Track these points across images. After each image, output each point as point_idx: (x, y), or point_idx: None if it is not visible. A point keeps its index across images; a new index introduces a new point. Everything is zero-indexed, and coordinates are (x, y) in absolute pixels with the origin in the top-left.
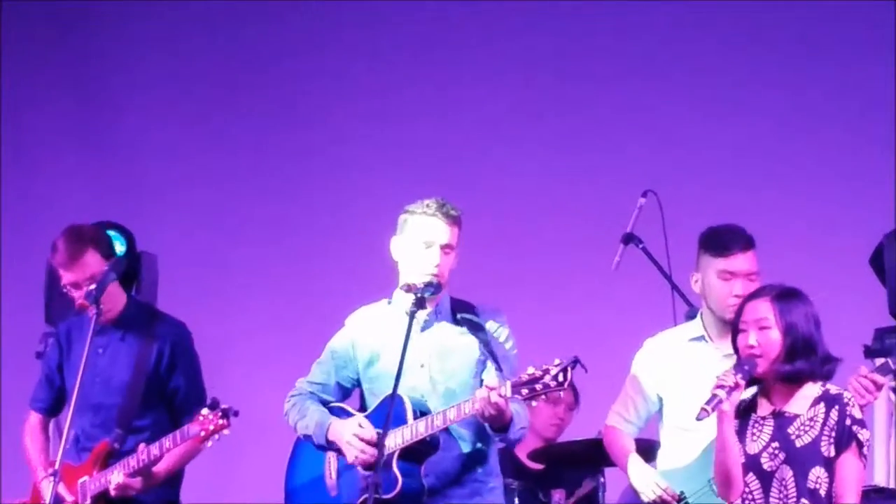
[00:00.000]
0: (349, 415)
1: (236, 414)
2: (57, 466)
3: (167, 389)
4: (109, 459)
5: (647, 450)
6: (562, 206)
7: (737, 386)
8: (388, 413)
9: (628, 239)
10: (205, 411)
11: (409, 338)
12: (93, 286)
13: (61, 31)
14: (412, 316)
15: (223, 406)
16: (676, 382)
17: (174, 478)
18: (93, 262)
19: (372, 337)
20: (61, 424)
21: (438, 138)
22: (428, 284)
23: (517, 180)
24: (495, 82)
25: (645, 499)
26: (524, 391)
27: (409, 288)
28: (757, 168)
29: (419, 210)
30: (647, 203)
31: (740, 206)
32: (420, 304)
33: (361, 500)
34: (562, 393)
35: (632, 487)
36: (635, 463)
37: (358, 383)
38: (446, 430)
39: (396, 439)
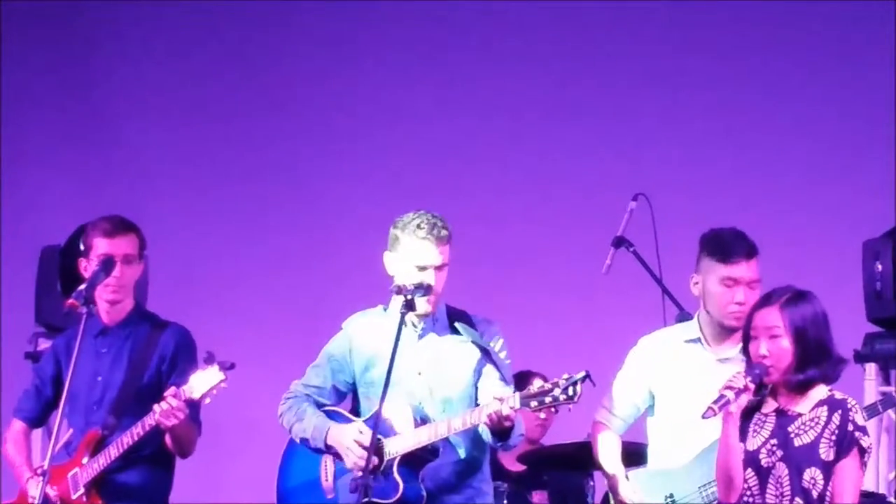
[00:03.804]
0: (346, 419)
1: (232, 366)
2: (46, 464)
3: (164, 389)
4: (99, 448)
5: (635, 453)
6: (552, 210)
7: (746, 388)
8: (376, 420)
9: (619, 242)
10: (200, 370)
11: (399, 340)
12: (82, 286)
13: (58, 30)
14: (402, 317)
15: (219, 359)
16: (669, 382)
17: (164, 479)
18: (131, 244)
19: (369, 343)
20: (51, 425)
21: (430, 142)
22: (418, 286)
23: (507, 184)
24: (485, 87)
25: None
26: (533, 403)
27: (399, 290)
28: (747, 171)
29: (410, 230)
30: (637, 207)
31: (731, 210)
32: (410, 306)
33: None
34: (570, 407)
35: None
36: (614, 478)
37: (353, 388)
38: (445, 438)
39: (398, 446)
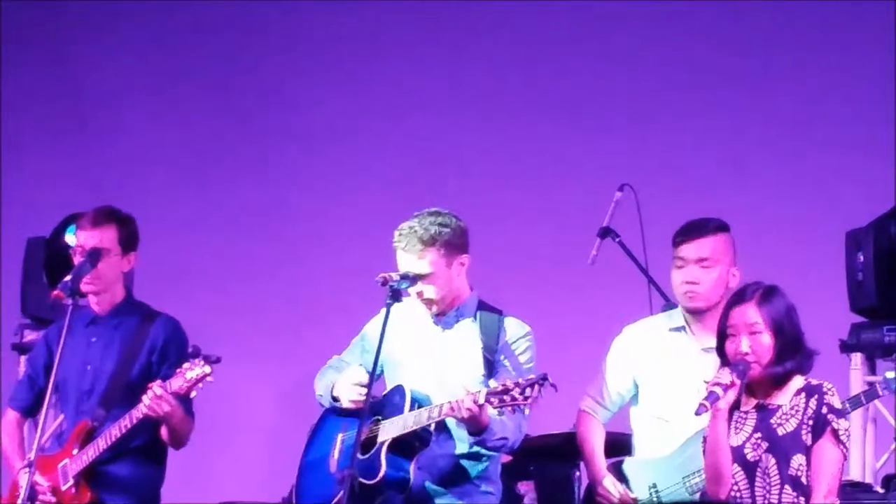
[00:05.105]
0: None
1: (218, 360)
2: (33, 455)
3: (154, 380)
4: (89, 439)
5: (619, 444)
6: (538, 201)
7: (732, 384)
8: (371, 380)
9: (605, 233)
10: (185, 364)
11: (387, 326)
12: (68, 277)
13: (53, 23)
14: (388, 308)
15: (204, 353)
16: (654, 370)
17: (155, 472)
18: (108, 237)
19: (400, 329)
20: (37, 416)
21: (417, 136)
22: (403, 277)
23: (493, 175)
24: (472, 80)
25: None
26: (493, 400)
27: (384, 280)
28: (733, 161)
29: (394, 238)
30: (623, 197)
31: (716, 200)
32: (396, 296)
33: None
34: (527, 410)
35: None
36: (597, 469)
37: (382, 370)
38: (447, 430)
39: (390, 430)
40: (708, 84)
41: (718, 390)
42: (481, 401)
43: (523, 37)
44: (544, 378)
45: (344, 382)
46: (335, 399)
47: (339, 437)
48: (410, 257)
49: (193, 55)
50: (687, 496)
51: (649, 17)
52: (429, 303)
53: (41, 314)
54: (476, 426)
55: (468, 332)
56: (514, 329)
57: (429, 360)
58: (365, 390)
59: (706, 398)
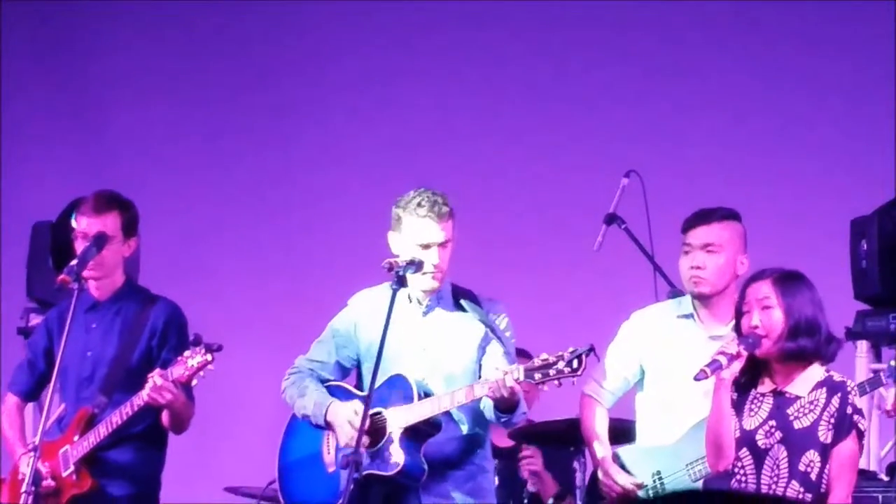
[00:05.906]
0: (349, 394)
1: (219, 348)
2: (37, 440)
3: (155, 364)
4: (90, 425)
5: (623, 431)
6: (545, 187)
7: (738, 355)
8: (368, 399)
9: (611, 219)
10: (187, 352)
11: (391, 315)
12: (74, 262)
13: (55, 10)
14: (395, 293)
15: (206, 342)
16: (660, 356)
17: (155, 458)
18: (111, 223)
19: (374, 319)
20: (42, 401)
21: (422, 123)
22: (409, 263)
23: (499, 160)
24: (479, 68)
25: (606, 493)
26: (537, 376)
27: (390, 266)
28: (738, 149)
29: (411, 209)
30: (629, 183)
31: (721, 187)
32: (401, 282)
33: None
34: (574, 380)
35: (597, 477)
36: (601, 455)
37: (358, 363)
38: (447, 413)
39: (401, 419)
40: (715, 73)
41: (723, 359)
42: (521, 378)
43: (529, 21)
44: (591, 349)
45: (344, 419)
46: (328, 423)
47: (328, 435)
48: (436, 225)
49: (197, 43)
50: (690, 483)
51: (659, 8)
52: (441, 275)
53: (47, 298)
54: (510, 404)
55: (451, 316)
56: (494, 307)
57: (417, 347)
58: (365, 437)
59: (708, 364)
